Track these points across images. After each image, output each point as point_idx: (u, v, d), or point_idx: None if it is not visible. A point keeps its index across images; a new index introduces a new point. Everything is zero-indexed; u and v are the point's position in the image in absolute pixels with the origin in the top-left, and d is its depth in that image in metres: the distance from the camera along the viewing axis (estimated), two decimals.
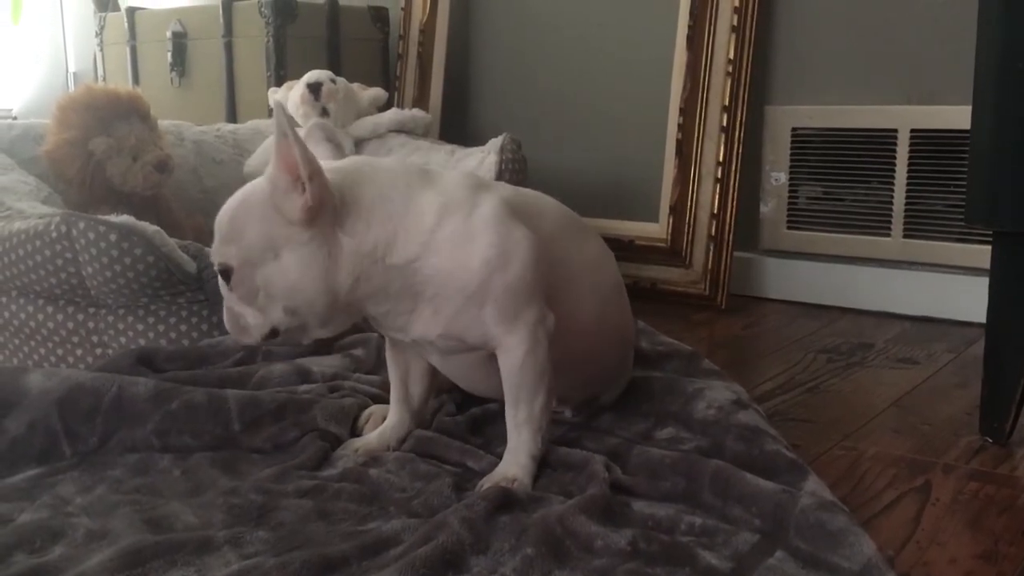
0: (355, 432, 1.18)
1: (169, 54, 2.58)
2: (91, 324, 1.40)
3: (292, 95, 2.24)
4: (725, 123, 2.08)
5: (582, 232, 1.15)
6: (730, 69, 2.07)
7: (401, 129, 2.31)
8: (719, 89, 2.09)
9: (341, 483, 1.03)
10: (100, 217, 1.35)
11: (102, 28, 2.78)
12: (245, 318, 1.01)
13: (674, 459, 1.04)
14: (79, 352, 1.42)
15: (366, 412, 1.21)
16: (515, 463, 1.03)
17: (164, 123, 1.98)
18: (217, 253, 1.00)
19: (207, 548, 0.87)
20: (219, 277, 1.02)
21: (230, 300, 1.02)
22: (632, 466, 1.05)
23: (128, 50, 2.69)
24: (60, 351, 1.43)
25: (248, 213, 0.98)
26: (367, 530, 0.91)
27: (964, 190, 1.23)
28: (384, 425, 1.16)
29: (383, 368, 1.38)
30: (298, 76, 2.27)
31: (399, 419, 1.15)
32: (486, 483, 1.01)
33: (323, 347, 1.41)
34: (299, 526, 0.93)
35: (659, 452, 1.06)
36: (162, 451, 1.11)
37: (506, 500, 0.95)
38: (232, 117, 2.51)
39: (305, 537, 0.90)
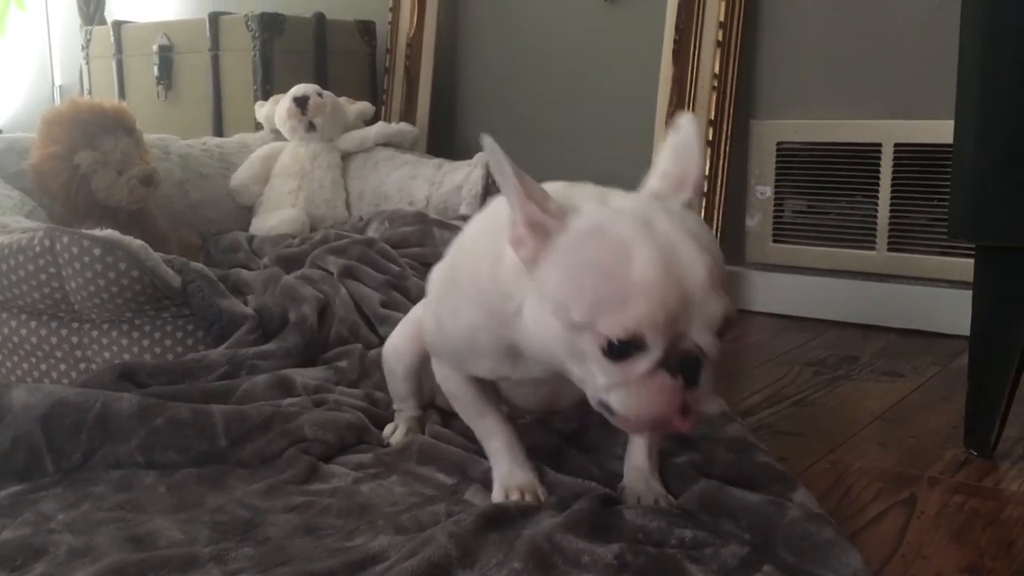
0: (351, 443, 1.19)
1: (155, 67, 2.58)
2: (75, 339, 1.39)
3: (279, 109, 2.25)
4: (711, 137, 2.09)
5: None
6: (715, 83, 2.08)
7: (388, 143, 2.31)
8: (705, 103, 2.11)
9: (330, 498, 1.02)
10: (84, 231, 1.35)
11: (88, 41, 2.78)
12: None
13: (666, 473, 1.04)
14: (63, 367, 1.41)
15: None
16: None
17: (150, 137, 1.98)
18: (728, 305, 0.79)
19: (191, 565, 0.86)
20: (706, 354, 0.78)
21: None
22: (624, 479, 1.05)
23: (114, 63, 2.69)
24: (43, 366, 1.42)
25: None
26: (354, 546, 0.91)
27: (948, 204, 1.24)
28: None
29: (366, 380, 1.39)
30: (285, 90, 2.27)
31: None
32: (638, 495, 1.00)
33: (308, 359, 1.41)
34: (285, 542, 0.92)
35: (651, 465, 1.07)
36: (147, 467, 1.10)
37: (495, 515, 0.95)
38: (219, 131, 2.50)
39: (291, 553, 0.90)
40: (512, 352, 0.91)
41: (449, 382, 1.03)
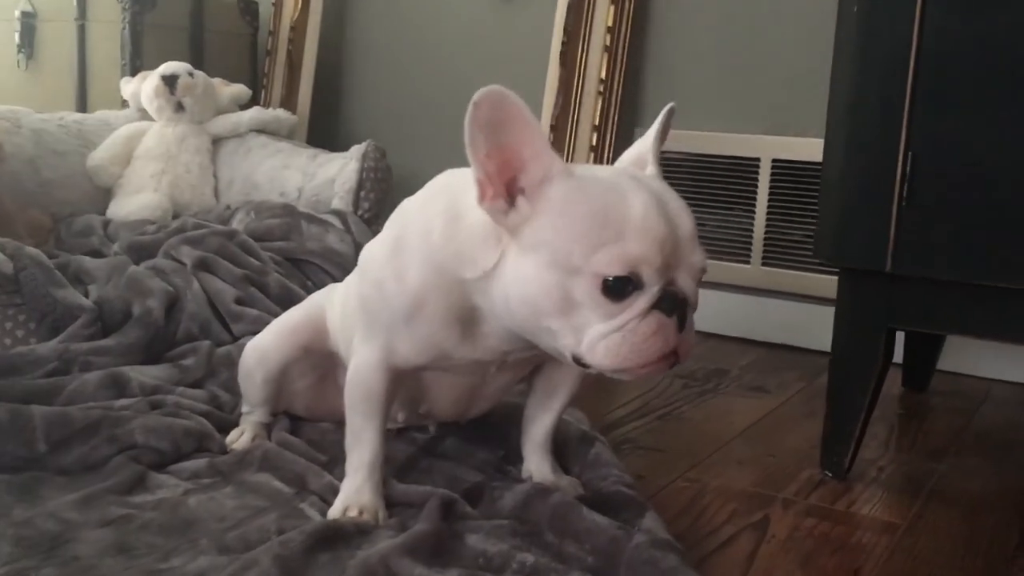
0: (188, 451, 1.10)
1: (16, 35, 2.41)
2: None
3: (145, 87, 2.13)
4: (595, 142, 2.07)
5: None
6: (601, 88, 2.07)
7: (263, 129, 2.22)
8: (590, 108, 2.08)
9: (153, 512, 0.94)
10: None
11: None
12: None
13: (516, 493, 1.00)
14: None
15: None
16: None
17: None
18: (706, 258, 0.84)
19: None
20: (690, 302, 0.82)
21: None
22: (473, 499, 1.01)
23: None
24: None
25: None
26: (169, 568, 0.84)
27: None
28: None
29: (211, 379, 1.30)
30: (156, 67, 2.15)
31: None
32: None
33: (151, 357, 1.32)
34: (94, 562, 0.84)
35: (501, 485, 1.03)
36: None
37: (329, 533, 0.89)
38: (82, 106, 2.36)
39: (98, 575, 0.82)
40: (464, 319, 0.89)
41: (366, 369, 0.95)
